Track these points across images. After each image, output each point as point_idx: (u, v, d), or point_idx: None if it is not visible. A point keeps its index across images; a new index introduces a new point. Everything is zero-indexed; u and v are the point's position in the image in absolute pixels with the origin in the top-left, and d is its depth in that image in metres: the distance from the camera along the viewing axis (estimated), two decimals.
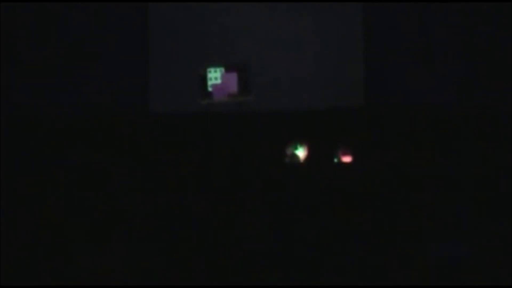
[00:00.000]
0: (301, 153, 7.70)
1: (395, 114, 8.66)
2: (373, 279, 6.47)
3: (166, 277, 6.61)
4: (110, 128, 8.76)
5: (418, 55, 8.81)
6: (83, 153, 8.31)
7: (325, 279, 6.45)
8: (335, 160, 7.69)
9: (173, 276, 6.60)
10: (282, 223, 6.85)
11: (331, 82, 8.98)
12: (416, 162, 7.90)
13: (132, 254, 6.77)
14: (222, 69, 8.87)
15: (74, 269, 6.63)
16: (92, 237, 6.86)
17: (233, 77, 8.85)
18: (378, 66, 8.87)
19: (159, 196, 7.20)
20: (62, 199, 7.19)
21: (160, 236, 6.88)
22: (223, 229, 6.87)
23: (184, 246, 6.80)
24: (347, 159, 7.70)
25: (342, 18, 9.00)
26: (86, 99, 9.11)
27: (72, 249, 6.75)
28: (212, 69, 8.88)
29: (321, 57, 9.01)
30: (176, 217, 6.98)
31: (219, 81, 8.88)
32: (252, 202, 7.00)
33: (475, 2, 8.62)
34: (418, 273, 6.48)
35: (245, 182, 7.18)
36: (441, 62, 8.75)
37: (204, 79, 8.88)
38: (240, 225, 6.87)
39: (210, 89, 8.92)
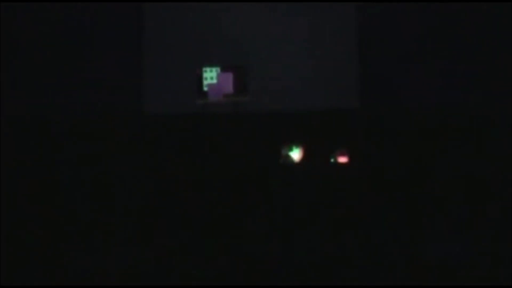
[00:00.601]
0: (296, 154, 7.70)
1: (390, 116, 8.67)
2: (369, 279, 6.48)
3: (162, 277, 6.59)
4: (104, 129, 8.74)
5: (413, 57, 8.83)
6: (78, 153, 8.29)
7: (321, 278, 6.46)
8: (332, 160, 7.71)
9: (168, 275, 6.59)
10: (278, 223, 6.86)
11: (327, 84, 8.98)
12: (412, 163, 7.93)
13: (130, 254, 6.75)
14: (218, 69, 8.86)
15: (71, 269, 6.60)
16: (89, 237, 6.84)
17: (229, 77, 8.85)
18: (373, 68, 8.88)
19: (155, 196, 7.19)
20: (57, 200, 7.17)
21: (156, 236, 6.86)
22: (218, 228, 6.86)
23: (180, 246, 6.78)
24: (343, 159, 7.71)
25: (337, 20, 9.01)
26: (80, 100, 9.08)
27: (70, 249, 6.73)
28: (208, 69, 8.87)
29: (316, 59, 9.01)
30: (171, 217, 6.97)
31: (214, 81, 8.88)
32: (247, 202, 7.00)
33: (472, 2, 8.65)
34: (414, 272, 6.50)
35: (240, 183, 7.18)
36: (436, 64, 8.77)
37: (199, 78, 8.87)
38: (235, 225, 6.87)
39: (205, 88, 8.92)
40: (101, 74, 9.06)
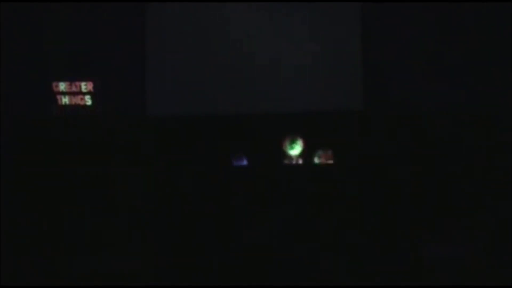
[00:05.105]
0: (297, 150, 7.70)
1: (394, 118, 8.67)
2: (369, 279, 6.48)
3: (163, 278, 6.59)
4: (108, 131, 8.76)
5: (418, 60, 8.82)
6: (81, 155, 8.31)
7: (318, 278, 6.46)
8: (316, 161, 7.68)
9: (170, 276, 6.59)
10: (279, 223, 6.85)
11: (330, 86, 8.97)
12: (415, 165, 7.92)
13: (131, 255, 6.75)
14: None
15: (71, 271, 6.61)
16: (90, 239, 6.84)
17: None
18: (378, 70, 8.88)
19: (157, 197, 7.18)
20: (60, 201, 7.17)
21: (158, 237, 6.86)
22: (220, 229, 6.86)
23: (181, 246, 6.78)
24: (328, 160, 7.70)
25: (341, 21, 9.01)
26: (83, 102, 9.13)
27: (70, 251, 6.73)
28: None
29: (320, 61, 9.00)
30: (173, 218, 6.97)
31: None
32: (251, 202, 6.99)
33: (474, 3, 8.64)
34: (414, 273, 6.50)
35: (243, 183, 7.17)
36: (441, 67, 8.76)
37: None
38: (237, 225, 6.86)
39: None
40: (104, 77, 9.12)
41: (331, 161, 7.65)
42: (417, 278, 6.43)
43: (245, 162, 7.74)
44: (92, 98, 9.13)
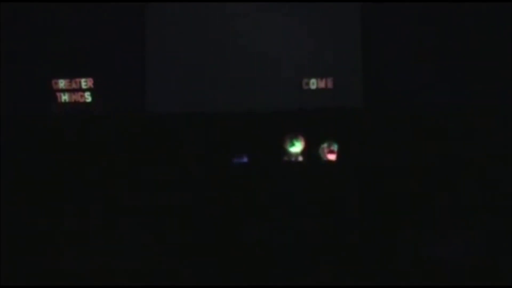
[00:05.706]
0: (298, 148, 7.70)
1: (394, 116, 8.66)
2: (367, 279, 6.49)
3: (163, 277, 6.60)
4: (107, 128, 8.76)
5: (419, 57, 8.80)
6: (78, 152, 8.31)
7: (318, 278, 6.47)
8: (320, 154, 7.70)
9: (170, 275, 6.60)
10: (280, 220, 6.86)
11: (329, 83, 8.96)
12: (416, 163, 7.92)
13: (131, 255, 6.75)
14: None
15: (71, 269, 6.62)
16: (90, 236, 6.85)
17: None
18: (377, 70, 8.86)
19: (157, 195, 7.19)
20: (60, 200, 7.18)
21: (158, 235, 6.87)
22: (219, 226, 6.87)
23: (181, 245, 6.79)
24: (332, 157, 7.70)
25: (341, 18, 8.99)
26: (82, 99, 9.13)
27: (70, 251, 6.74)
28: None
29: (319, 58, 8.99)
30: (173, 216, 6.98)
31: None
32: (250, 201, 7.00)
33: (474, 3, 8.63)
34: (414, 272, 6.51)
35: (243, 181, 7.18)
36: (442, 64, 8.75)
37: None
38: (237, 223, 6.87)
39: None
40: (103, 74, 9.10)
41: (333, 157, 7.67)
42: (417, 278, 6.44)
43: (245, 160, 7.76)
44: (92, 95, 9.12)
